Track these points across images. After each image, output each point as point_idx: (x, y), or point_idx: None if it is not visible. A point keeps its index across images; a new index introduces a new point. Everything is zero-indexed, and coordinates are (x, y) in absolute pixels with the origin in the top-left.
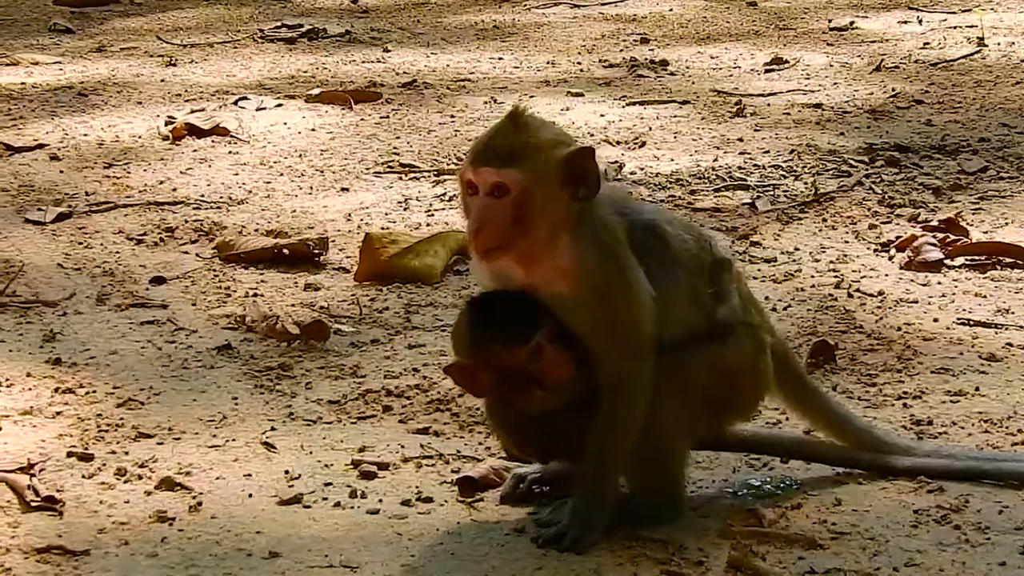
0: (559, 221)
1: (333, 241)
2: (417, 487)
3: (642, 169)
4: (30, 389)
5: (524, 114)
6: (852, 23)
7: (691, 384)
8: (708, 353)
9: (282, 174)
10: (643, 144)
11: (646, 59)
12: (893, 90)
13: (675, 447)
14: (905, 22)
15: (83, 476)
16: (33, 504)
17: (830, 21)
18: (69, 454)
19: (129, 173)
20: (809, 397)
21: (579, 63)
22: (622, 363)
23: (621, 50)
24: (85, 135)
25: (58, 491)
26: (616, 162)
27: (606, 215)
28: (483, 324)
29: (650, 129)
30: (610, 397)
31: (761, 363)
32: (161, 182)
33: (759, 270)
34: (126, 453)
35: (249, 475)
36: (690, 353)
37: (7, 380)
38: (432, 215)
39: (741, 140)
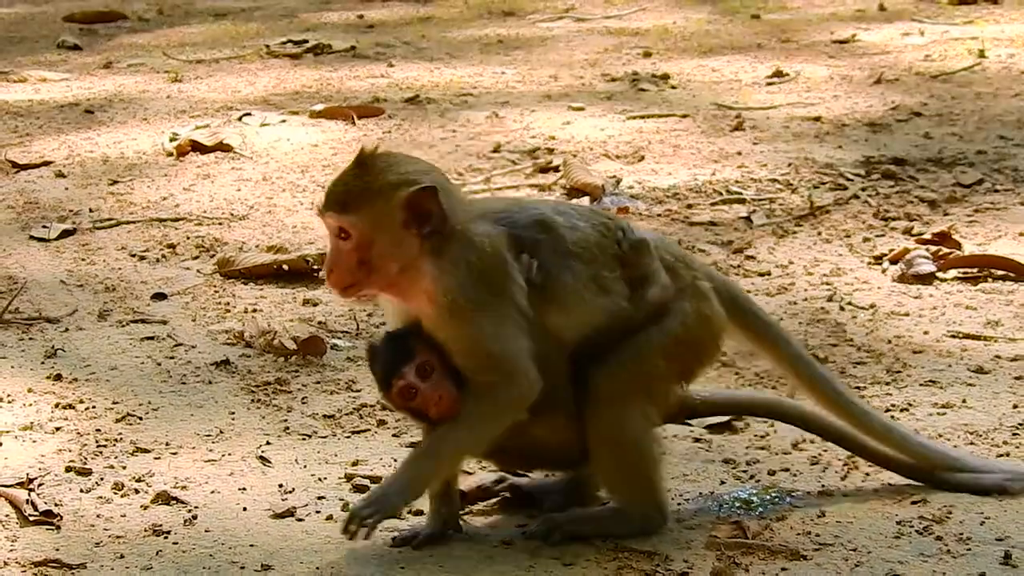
0: (411, 255)
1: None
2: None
3: (640, 183)
4: (31, 404)
5: (372, 155)
6: (854, 35)
7: (653, 377)
8: (655, 338)
9: (284, 190)
10: (642, 158)
11: (648, 73)
12: (893, 103)
13: (647, 447)
14: (907, 34)
15: (81, 490)
16: (31, 518)
17: (832, 33)
18: (68, 469)
19: (133, 190)
20: (765, 333)
21: (581, 77)
22: (480, 378)
23: (623, 64)
24: (91, 152)
25: (56, 505)
26: (614, 176)
27: (477, 231)
28: (371, 369)
29: (649, 143)
30: (465, 405)
31: (707, 310)
32: (164, 198)
33: (753, 283)
34: (124, 468)
35: (244, 489)
36: (639, 346)
37: (8, 396)
38: None
39: (740, 154)
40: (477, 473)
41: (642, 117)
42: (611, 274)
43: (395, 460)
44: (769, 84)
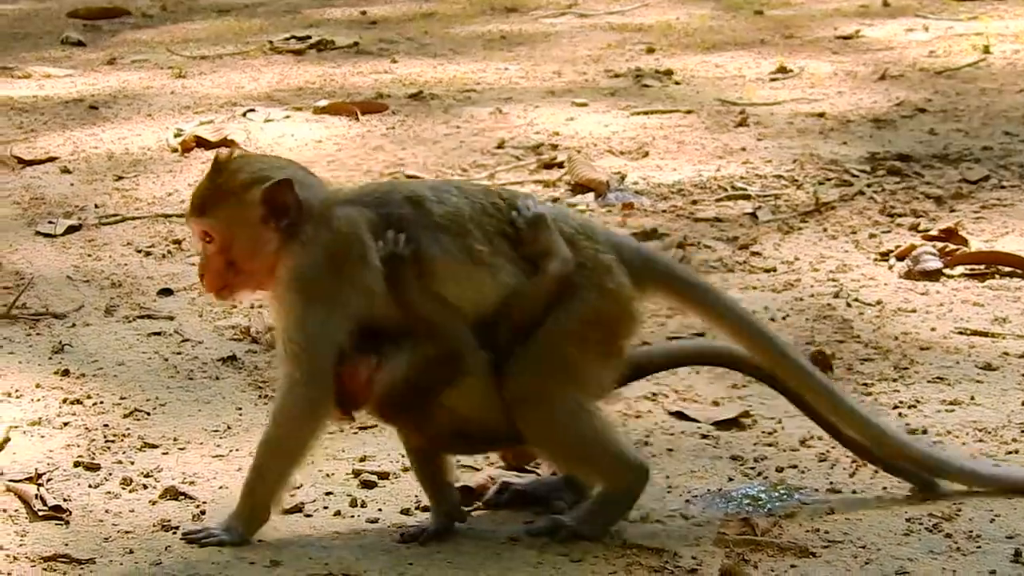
0: (273, 250)
1: None
2: (416, 496)
3: (644, 179)
4: (39, 400)
5: (227, 159)
6: (858, 31)
7: (569, 365)
8: (562, 326)
9: None
10: (646, 154)
11: (651, 69)
12: (897, 99)
13: (587, 431)
14: (911, 30)
15: (89, 486)
16: (40, 513)
17: (836, 29)
18: (76, 464)
19: (138, 185)
20: (690, 292)
21: (585, 73)
22: (284, 368)
23: (627, 60)
24: (95, 148)
25: (65, 500)
26: (619, 172)
27: (336, 214)
28: None
29: (654, 139)
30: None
31: (610, 283)
32: (170, 194)
33: (759, 280)
34: (132, 463)
35: None
36: (546, 338)
37: (16, 391)
38: None
39: (744, 150)
40: (485, 469)
41: (646, 113)
42: (488, 248)
43: (402, 456)
44: (773, 80)
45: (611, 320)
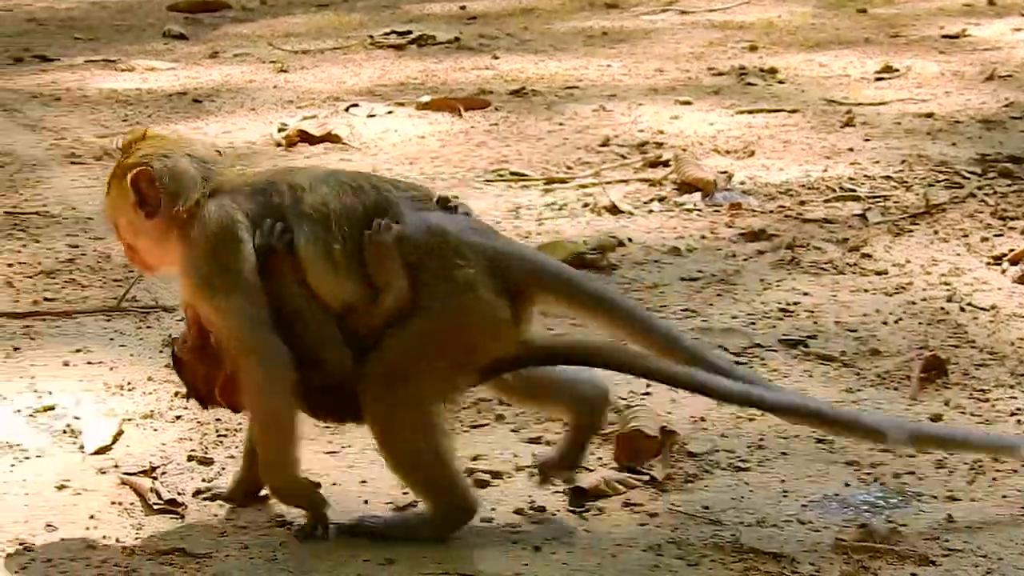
0: (154, 236)
1: None
2: (530, 496)
3: (751, 179)
4: (150, 393)
5: (133, 139)
6: (964, 31)
7: (412, 384)
8: (402, 343)
9: None
10: (752, 153)
11: (755, 67)
12: (1006, 99)
13: (425, 454)
14: (1018, 29)
15: (203, 480)
16: (156, 507)
17: (941, 28)
18: (190, 458)
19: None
20: (575, 296)
21: (687, 71)
22: (234, 357)
23: (729, 58)
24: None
25: (179, 494)
26: (725, 172)
27: (209, 208)
28: None
29: (759, 138)
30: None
31: (468, 301)
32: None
33: (870, 283)
34: None
35: (365, 481)
36: (385, 356)
37: (128, 384)
38: (542, 224)
39: (851, 150)
40: (598, 471)
41: (751, 112)
42: (342, 248)
43: (515, 455)
44: (878, 79)
45: (461, 336)
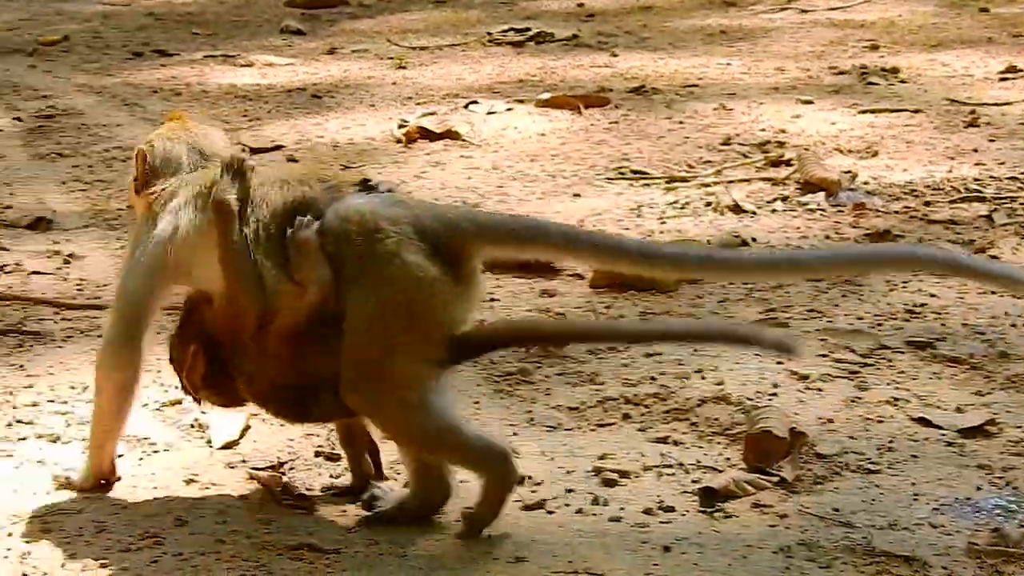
0: (141, 210)
1: None
2: (658, 496)
3: (875, 179)
4: None
5: (169, 116)
6: None
7: (374, 367)
8: (353, 326)
9: (514, 179)
10: (875, 153)
11: (876, 66)
12: None
13: (430, 426)
14: None
15: (331, 476)
16: (285, 502)
17: None
18: (317, 454)
19: (364, 176)
20: (521, 237)
21: (808, 70)
22: None
23: (850, 57)
24: (320, 137)
25: (307, 490)
26: (849, 171)
27: (177, 199)
28: None
29: (882, 138)
30: None
31: (396, 271)
32: (396, 184)
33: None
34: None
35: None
36: (339, 347)
37: None
38: (664, 223)
39: (976, 151)
40: (727, 471)
41: (873, 111)
42: (264, 240)
43: (642, 455)
44: (1002, 80)
45: (403, 303)
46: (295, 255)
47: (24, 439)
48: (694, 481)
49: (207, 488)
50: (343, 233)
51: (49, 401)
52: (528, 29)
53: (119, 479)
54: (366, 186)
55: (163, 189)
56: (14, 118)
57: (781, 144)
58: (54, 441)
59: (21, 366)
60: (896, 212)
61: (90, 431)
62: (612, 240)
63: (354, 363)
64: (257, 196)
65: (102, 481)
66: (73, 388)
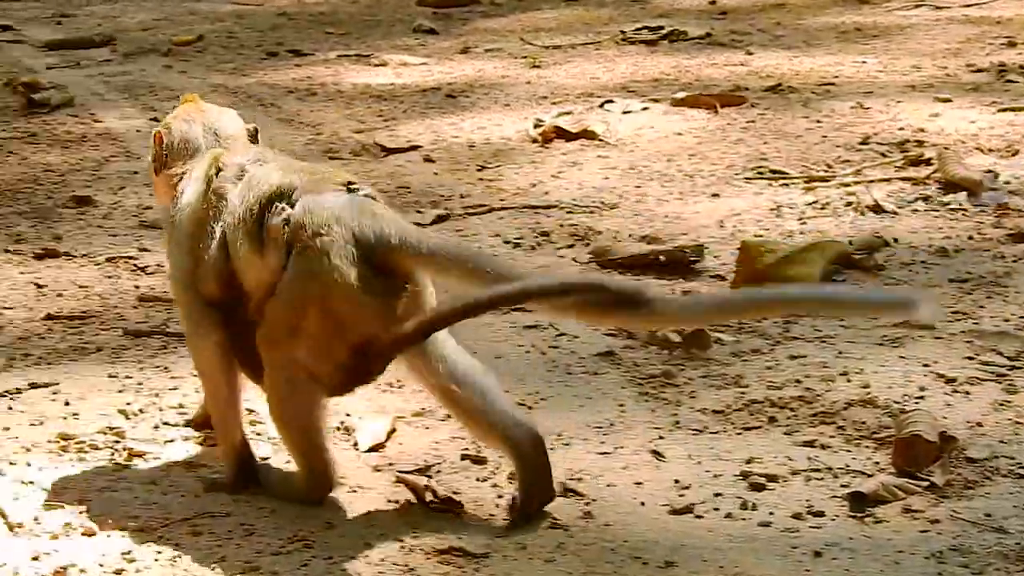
0: (160, 191)
1: (707, 248)
2: (807, 500)
3: (1017, 178)
4: (420, 391)
5: (184, 99)
6: None
7: (282, 356)
8: (274, 308)
9: (652, 179)
10: (1016, 152)
11: (1015, 64)
12: None
13: (297, 425)
14: None
15: (477, 479)
16: (432, 506)
17: None
18: (463, 457)
19: (502, 176)
20: (421, 254)
21: (944, 67)
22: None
23: (988, 54)
24: (456, 137)
25: (454, 493)
26: (990, 171)
27: (192, 182)
28: None
29: (1022, 137)
30: None
31: (314, 265)
32: (533, 185)
33: None
34: None
35: (640, 483)
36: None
37: (398, 381)
38: (805, 223)
39: None
40: (876, 476)
41: (1013, 110)
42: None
43: (789, 459)
44: None
45: (317, 298)
46: (266, 237)
47: (171, 441)
48: (843, 485)
49: (354, 491)
50: (299, 224)
51: (195, 404)
52: (661, 27)
53: (256, 460)
54: (348, 187)
55: (183, 170)
56: (151, 118)
57: (920, 143)
58: (201, 443)
59: (166, 368)
60: None
61: (213, 422)
62: (548, 280)
63: (266, 332)
64: (256, 177)
65: (242, 467)
66: None
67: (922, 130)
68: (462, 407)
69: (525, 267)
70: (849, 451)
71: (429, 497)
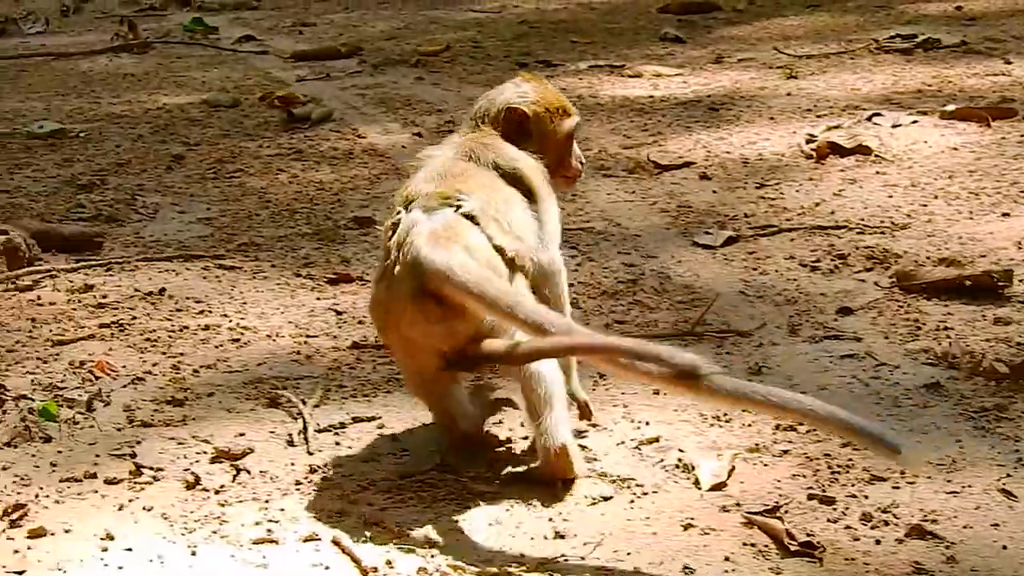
0: None
1: (1014, 272)
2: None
3: None
4: (749, 425)
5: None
6: None
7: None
8: None
9: (936, 196)
10: None
11: None
12: None
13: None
14: None
15: (828, 520)
16: (792, 549)
17: None
18: (810, 496)
19: (782, 194)
20: (474, 297)
21: None
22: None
23: None
24: (727, 152)
25: (808, 535)
26: None
27: None
28: None
29: None
30: None
31: (377, 291)
32: (816, 204)
33: None
34: (865, 497)
35: (996, 525)
36: None
37: (724, 415)
38: None
39: None
40: None
41: None
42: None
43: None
44: None
45: (376, 317)
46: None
47: (505, 477)
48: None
49: (706, 534)
50: (399, 232)
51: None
52: (915, 36)
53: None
54: (448, 203)
55: None
56: (414, 134)
57: None
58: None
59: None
60: None
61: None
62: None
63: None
64: (412, 176)
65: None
66: None
67: None
68: None
69: (565, 320)
70: None
71: (787, 540)
